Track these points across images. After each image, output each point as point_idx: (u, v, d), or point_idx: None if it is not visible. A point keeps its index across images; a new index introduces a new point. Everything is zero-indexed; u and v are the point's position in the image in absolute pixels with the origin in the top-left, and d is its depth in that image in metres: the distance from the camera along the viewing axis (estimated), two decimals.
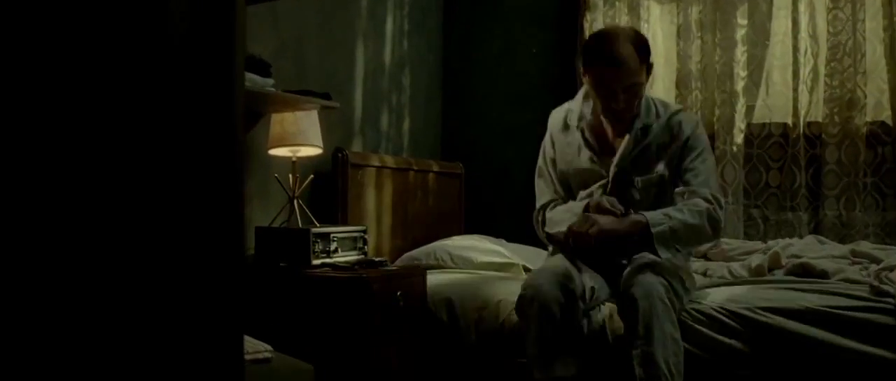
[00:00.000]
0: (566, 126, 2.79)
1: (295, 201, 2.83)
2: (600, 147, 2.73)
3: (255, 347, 2.20)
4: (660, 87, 3.99)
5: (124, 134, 0.90)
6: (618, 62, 2.52)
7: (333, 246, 2.81)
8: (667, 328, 2.37)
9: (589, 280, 2.59)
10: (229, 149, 0.97)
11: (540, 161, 2.86)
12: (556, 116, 2.85)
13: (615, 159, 2.68)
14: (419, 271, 2.92)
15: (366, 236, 2.97)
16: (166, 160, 0.94)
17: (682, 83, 3.96)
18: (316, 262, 2.73)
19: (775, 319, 2.60)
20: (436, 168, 3.91)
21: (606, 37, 2.59)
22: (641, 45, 2.58)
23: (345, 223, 3.18)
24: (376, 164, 3.45)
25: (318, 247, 2.75)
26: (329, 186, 3.23)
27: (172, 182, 0.95)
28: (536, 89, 4.14)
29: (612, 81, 2.54)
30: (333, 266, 2.72)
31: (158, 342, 0.91)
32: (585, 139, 2.73)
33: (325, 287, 2.63)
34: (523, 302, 2.48)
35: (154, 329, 0.91)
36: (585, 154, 2.72)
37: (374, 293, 2.62)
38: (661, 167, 2.67)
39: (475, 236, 3.56)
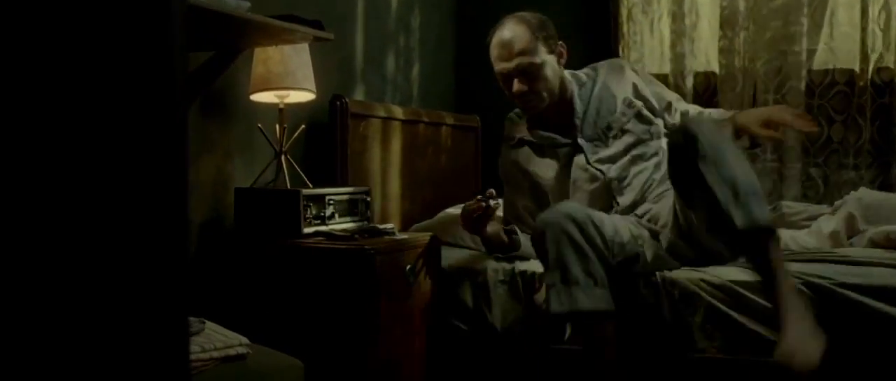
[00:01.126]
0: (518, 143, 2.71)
1: (282, 157, 2.36)
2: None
3: (226, 341, 1.74)
4: (704, 28, 3.50)
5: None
6: (503, 42, 2.50)
7: (329, 211, 2.35)
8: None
9: (623, 233, 2.30)
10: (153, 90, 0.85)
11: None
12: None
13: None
14: (433, 242, 2.45)
15: (368, 199, 2.50)
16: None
17: (727, 23, 3.46)
18: (308, 230, 2.26)
19: (863, 299, 2.15)
20: (449, 121, 3.44)
21: (499, 23, 2.56)
22: (537, 26, 2.51)
23: (344, 184, 2.71)
24: (381, 114, 2.97)
25: (311, 212, 2.28)
26: (325, 140, 2.76)
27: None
28: (563, 31, 3.65)
29: (502, 62, 2.51)
30: (329, 235, 2.25)
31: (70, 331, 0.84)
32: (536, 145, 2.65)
33: (319, 261, 2.17)
34: (537, 233, 2.21)
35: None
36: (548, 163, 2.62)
37: (378, 268, 2.16)
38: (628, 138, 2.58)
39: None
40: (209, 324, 1.80)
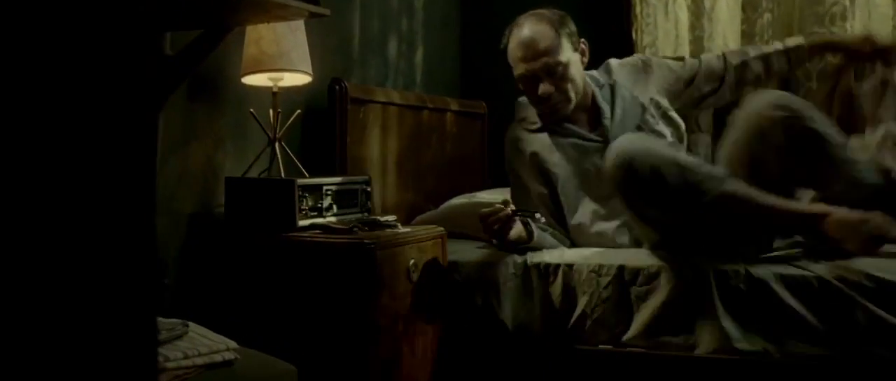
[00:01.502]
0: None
1: (277, 144, 2.20)
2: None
3: (211, 345, 1.58)
4: (723, 9, 3.31)
5: None
6: (525, 42, 2.40)
7: (327, 202, 2.19)
8: None
9: None
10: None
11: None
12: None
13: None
14: (438, 235, 2.29)
15: (368, 189, 2.34)
16: None
17: (749, 4, 3.28)
18: (303, 222, 2.10)
19: None
20: (454, 107, 3.27)
21: (515, 22, 2.48)
22: (559, 22, 2.43)
23: (343, 173, 2.55)
24: (382, 100, 2.80)
25: (307, 203, 2.12)
26: (323, 126, 2.60)
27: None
28: (572, 14, 3.49)
29: (527, 63, 2.40)
30: (326, 228, 2.09)
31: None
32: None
33: (315, 255, 2.01)
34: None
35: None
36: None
37: (379, 263, 2.00)
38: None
39: (504, 191, 2.92)
40: (193, 327, 1.65)
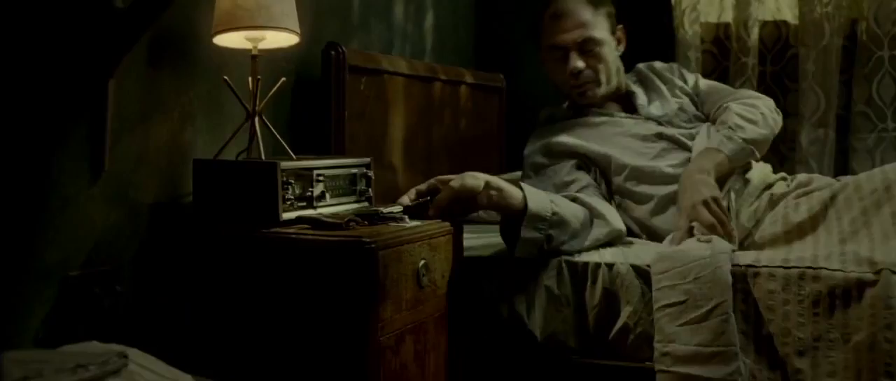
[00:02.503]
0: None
1: (256, 119, 1.80)
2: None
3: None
4: None
5: None
6: (561, 12, 2.30)
7: (318, 190, 1.79)
8: None
9: None
10: None
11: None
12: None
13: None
14: (453, 228, 1.89)
15: (370, 174, 1.94)
16: None
17: None
18: (288, 215, 1.71)
19: None
20: (469, 79, 2.87)
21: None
22: (600, 2, 2.34)
23: (340, 154, 2.16)
24: (386, 69, 2.40)
25: (294, 191, 1.73)
26: (316, 99, 2.21)
27: None
28: None
29: (559, 34, 2.28)
30: (317, 222, 1.70)
31: None
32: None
33: (302, 257, 1.62)
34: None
35: None
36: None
37: (381, 266, 1.61)
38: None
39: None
40: (136, 356, 1.26)
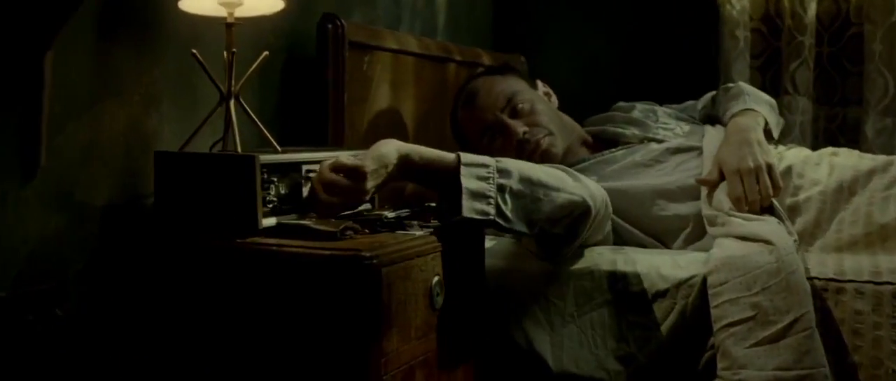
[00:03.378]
0: None
1: (232, 102, 1.46)
2: None
3: None
4: None
5: None
6: (473, 92, 2.05)
7: (309, 189, 1.46)
8: None
9: None
10: None
11: None
12: None
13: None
14: (472, 236, 1.56)
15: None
16: None
17: None
18: (270, 222, 1.38)
19: None
20: (487, 61, 2.54)
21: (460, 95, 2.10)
22: (505, 70, 2.15)
23: (338, 145, 1.83)
24: (393, 46, 2.07)
25: (277, 190, 1.40)
26: (311, 81, 1.88)
27: None
28: None
29: (481, 112, 2.01)
30: (305, 231, 1.36)
31: None
32: None
33: (286, 274, 1.29)
34: None
35: None
36: None
37: (385, 286, 1.28)
38: None
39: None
40: None
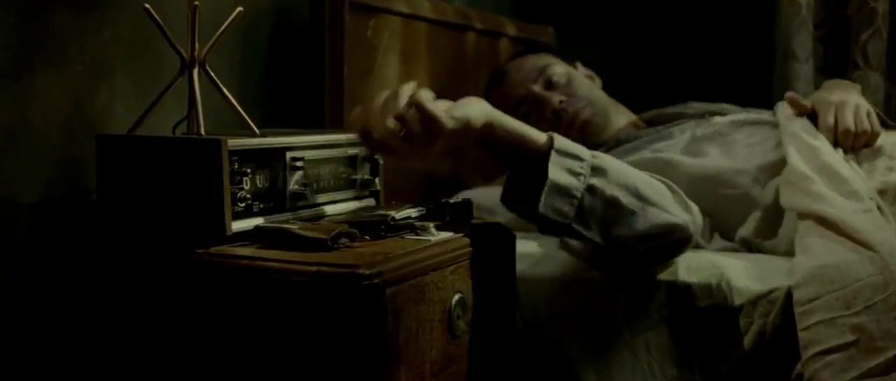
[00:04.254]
0: None
1: (196, 72, 1.14)
2: None
3: None
4: None
5: None
6: (503, 72, 1.85)
7: (295, 182, 1.15)
8: None
9: None
10: None
11: None
12: None
13: None
14: (501, 239, 1.25)
15: (377, 156, 1.30)
16: None
17: None
18: (243, 225, 1.07)
19: None
20: (511, 31, 2.22)
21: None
22: (543, 50, 1.95)
23: (336, 126, 1.52)
24: (403, 10, 1.76)
25: (253, 184, 1.09)
26: (301, 49, 1.57)
27: None
28: None
29: (513, 88, 1.79)
30: (287, 237, 1.05)
31: None
32: None
33: (260, 298, 0.98)
34: None
35: None
36: None
37: (389, 313, 0.96)
38: None
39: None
40: None
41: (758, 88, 2.24)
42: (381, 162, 1.30)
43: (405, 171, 1.60)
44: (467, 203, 1.25)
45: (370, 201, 1.29)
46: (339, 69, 1.55)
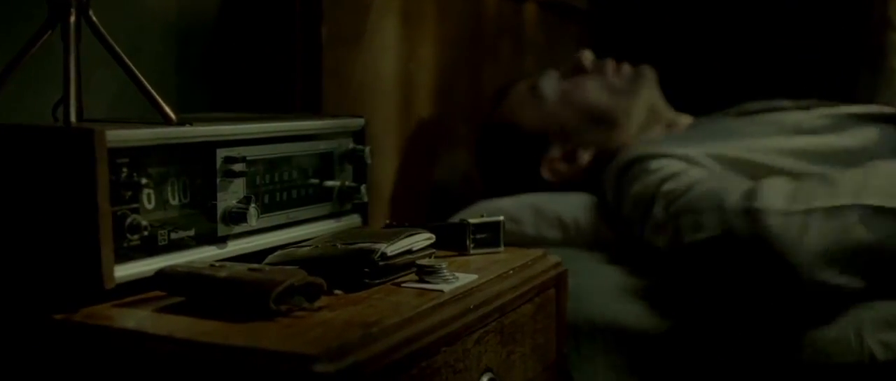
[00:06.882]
0: None
1: (72, 24, 0.73)
2: None
3: None
4: None
5: None
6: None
7: (232, 194, 0.73)
8: None
9: None
10: None
11: None
12: None
13: None
14: (549, 278, 0.83)
15: (364, 152, 0.88)
16: None
17: None
18: (135, 270, 0.65)
19: None
20: None
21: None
22: None
23: (315, 110, 1.14)
24: None
25: (159, 201, 0.67)
26: (265, 6, 1.17)
27: None
28: None
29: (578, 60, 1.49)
30: (205, 288, 0.64)
31: None
32: None
33: None
34: None
35: None
36: None
37: None
38: None
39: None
40: None
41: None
42: (369, 161, 0.89)
43: (403, 174, 1.19)
44: (496, 226, 0.84)
45: (354, 219, 0.88)
46: (316, 33, 1.15)
